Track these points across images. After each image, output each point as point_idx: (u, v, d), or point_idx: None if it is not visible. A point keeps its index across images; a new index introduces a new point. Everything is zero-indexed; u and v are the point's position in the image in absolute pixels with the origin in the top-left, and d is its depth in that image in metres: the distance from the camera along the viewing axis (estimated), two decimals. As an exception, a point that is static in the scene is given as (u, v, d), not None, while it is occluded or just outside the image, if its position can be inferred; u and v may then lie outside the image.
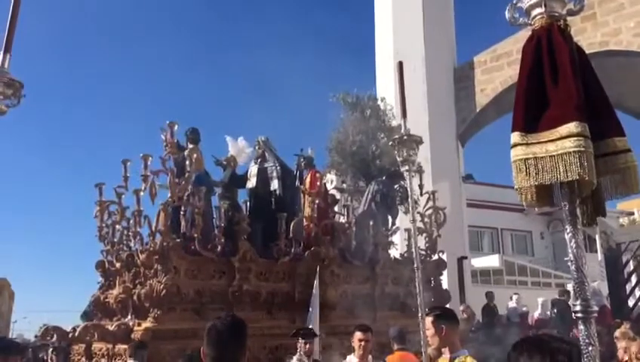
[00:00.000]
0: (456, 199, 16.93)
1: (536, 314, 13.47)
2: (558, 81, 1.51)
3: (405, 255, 10.70)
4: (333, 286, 8.79)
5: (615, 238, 10.48)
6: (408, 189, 4.38)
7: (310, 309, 7.81)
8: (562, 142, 1.43)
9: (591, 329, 1.16)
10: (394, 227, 11.26)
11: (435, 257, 10.60)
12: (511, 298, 14.39)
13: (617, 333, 6.74)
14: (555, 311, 11.37)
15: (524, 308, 13.93)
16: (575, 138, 1.40)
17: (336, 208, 11.02)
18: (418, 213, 11.19)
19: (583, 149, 1.37)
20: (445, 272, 14.51)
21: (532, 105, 1.54)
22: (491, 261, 22.10)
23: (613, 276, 10.18)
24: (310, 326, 7.16)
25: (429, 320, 3.76)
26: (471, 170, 21.23)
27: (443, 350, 3.75)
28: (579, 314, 1.19)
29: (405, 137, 4.02)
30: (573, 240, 1.28)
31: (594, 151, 1.44)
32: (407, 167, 4.10)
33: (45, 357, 9.21)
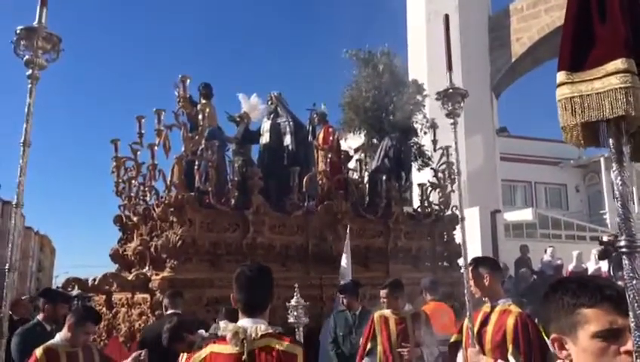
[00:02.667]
0: (490, 153, 16.75)
1: (571, 266, 13.08)
2: (606, 18, 1.49)
3: (419, 210, 10.81)
4: (345, 240, 8.93)
5: None
6: (454, 143, 4.27)
7: (343, 263, 7.86)
8: (608, 79, 1.42)
9: (635, 264, 1.16)
10: (407, 183, 11.34)
11: (449, 212, 10.67)
12: (545, 251, 14.05)
13: None
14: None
15: (559, 261, 13.63)
16: (622, 74, 1.39)
17: (351, 165, 11.11)
18: (432, 168, 11.25)
19: (629, 85, 1.36)
20: (478, 225, 14.61)
21: (579, 44, 1.53)
22: (524, 215, 21.65)
23: None
24: (342, 281, 7.25)
25: (470, 269, 3.74)
26: (505, 123, 20.66)
27: (485, 299, 3.74)
28: (624, 249, 1.18)
29: (450, 90, 3.94)
30: (619, 178, 1.22)
31: (642, 88, 1.44)
32: (452, 121, 4.03)
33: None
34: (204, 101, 8.67)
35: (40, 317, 5.24)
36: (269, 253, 8.19)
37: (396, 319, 5.14)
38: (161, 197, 8.04)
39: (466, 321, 3.75)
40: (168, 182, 7.73)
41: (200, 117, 7.85)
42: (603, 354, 1.29)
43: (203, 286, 7.21)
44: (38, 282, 51.68)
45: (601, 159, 26.70)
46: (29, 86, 2.67)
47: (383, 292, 5.25)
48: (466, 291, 3.70)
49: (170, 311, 5.35)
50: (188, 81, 7.78)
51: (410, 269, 9.69)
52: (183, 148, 7.62)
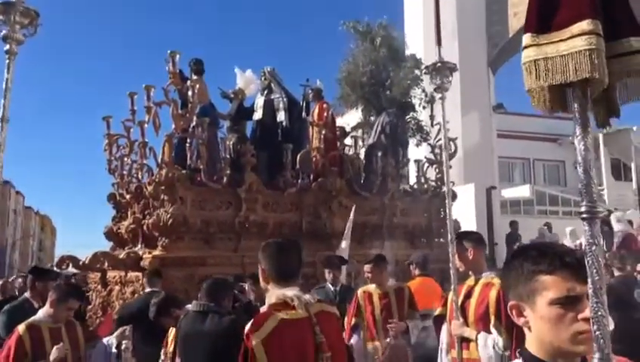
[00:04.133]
0: (486, 129, 16.62)
1: (565, 242, 13.26)
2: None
3: (415, 186, 10.76)
4: (340, 216, 8.91)
5: None
6: (442, 118, 4.21)
7: (344, 242, 7.83)
8: (573, 41, 1.37)
9: (595, 230, 1.16)
10: (404, 159, 11.26)
11: (445, 189, 10.60)
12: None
13: None
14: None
15: (555, 237, 13.46)
16: (587, 36, 1.34)
17: (347, 141, 11.03)
18: (429, 144, 11.16)
19: (594, 47, 1.32)
20: (474, 202, 14.58)
21: (546, 5, 1.49)
22: (522, 191, 21.64)
23: None
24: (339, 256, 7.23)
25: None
26: (502, 99, 20.48)
27: (470, 272, 3.76)
28: (584, 215, 1.18)
29: (439, 64, 3.86)
30: (582, 143, 1.21)
31: (609, 52, 1.40)
32: (440, 95, 3.96)
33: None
34: (195, 77, 8.55)
35: (28, 294, 5.26)
36: (262, 230, 8.16)
37: (380, 294, 5.14)
38: (153, 176, 8.00)
39: (451, 294, 3.81)
40: (159, 160, 7.68)
41: (190, 93, 7.76)
42: (560, 321, 1.29)
43: (195, 264, 7.21)
44: (40, 261, 52.23)
45: (600, 135, 26.57)
46: (7, 62, 2.66)
47: (367, 267, 5.24)
48: (451, 265, 3.74)
49: (147, 290, 5.37)
50: (177, 56, 7.67)
51: (406, 246, 9.68)
52: (173, 126, 7.55)
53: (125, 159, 9.19)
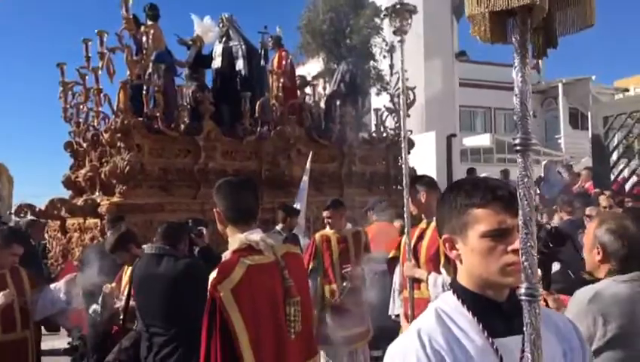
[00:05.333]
0: (449, 77, 16.59)
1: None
2: None
3: (374, 135, 10.94)
4: (299, 164, 9.04)
5: (604, 112, 10.38)
6: (400, 62, 4.14)
7: (301, 186, 7.91)
8: None
9: (528, 162, 1.16)
10: (364, 108, 11.39)
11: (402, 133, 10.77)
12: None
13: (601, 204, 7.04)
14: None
15: (511, 184, 13.93)
16: None
17: (307, 90, 11.04)
18: (389, 93, 11.27)
19: None
20: (434, 150, 14.81)
21: None
22: (482, 140, 22.06)
23: (598, 150, 10.23)
24: (296, 204, 7.35)
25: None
26: (465, 47, 20.47)
27: (423, 216, 3.81)
28: (518, 148, 1.18)
29: (398, 6, 3.74)
30: (520, 74, 1.19)
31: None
32: (399, 38, 3.82)
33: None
34: (149, 22, 8.37)
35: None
36: (222, 178, 8.23)
37: (338, 238, 5.21)
38: (109, 123, 7.94)
39: (404, 237, 3.88)
40: (115, 108, 7.61)
41: (145, 39, 7.63)
42: (491, 253, 1.30)
43: (153, 210, 7.26)
44: (-4, 211, 50.80)
45: (559, 85, 27.09)
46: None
47: (326, 213, 5.30)
48: (405, 209, 3.81)
49: (108, 233, 5.42)
50: (131, 1, 7.48)
51: (365, 193, 9.91)
52: (127, 73, 7.45)
53: (81, 107, 9.02)
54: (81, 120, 8.99)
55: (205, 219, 6.30)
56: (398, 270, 4.16)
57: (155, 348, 3.35)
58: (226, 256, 2.45)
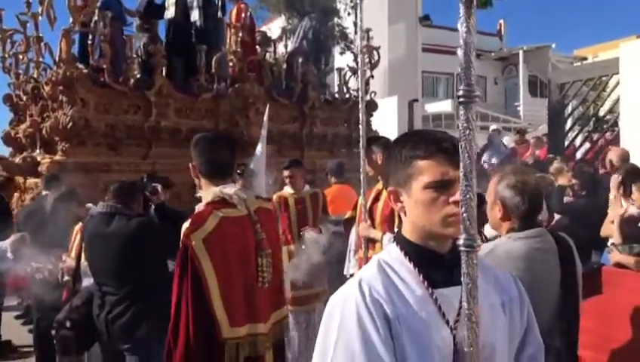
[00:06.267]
0: (412, 42, 16.52)
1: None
2: None
3: (336, 95, 10.59)
4: (258, 124, 8.65)
5: (561, 79, 10.46)
6: (359, 21, 3.98)
7: (258, 148, 7.60)
8: None
9: (470, 114, 1.15)
10: (327, 67, 11.00)
11: (367, 98, 10.50)
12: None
13: (552, 169, 7.12)
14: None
15: None
16: None
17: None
18: (352, 52, 10.89)
19: None
20: (396, 115, 14.71)
21: None
22: (444, 106, 22.20)
23: (554, 117, 10.36)
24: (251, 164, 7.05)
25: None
26: (429, 11, 20.30)
27: (379, 177, 3.79)
28: (461, 100, 1.16)
29: None
30: (464, 24, 1.16)
31: None
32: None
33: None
34: (95, -35, 7.70)
35: None
36: (175, 137, 7.78)
37: (296, 199, 5.14)
38: (51, 75, 7.33)
39: (360, 199, 3.84)
40: (57, 58, 7.00)
41: (89, -17, 7.00)
42: (433, 205, 1.32)
43: (98, 170, 6.78)
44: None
45: (520, 52, 27.28)
46: None
47: (287, 172, 5.19)
48: (361, 170, 3.75)
49: (44, 193, 5.06)
50: (74, -60, 6.81)
51: (326, 155, 9.62)
52: (70, 20, 6.83)
53: (21, 57, 8.36)
54: (21, 71, 8.37)
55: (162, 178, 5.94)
56: (354, 230, 4.16)
57: (107, 306, 3.35)
58: (199, 207, 2.49)
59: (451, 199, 1.29)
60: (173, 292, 2.34)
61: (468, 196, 1.16)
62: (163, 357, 3.53)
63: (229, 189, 2.46)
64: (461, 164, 1.15)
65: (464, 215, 1.16)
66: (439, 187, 1.31)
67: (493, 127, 10.84)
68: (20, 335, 5.95)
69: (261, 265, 2.51)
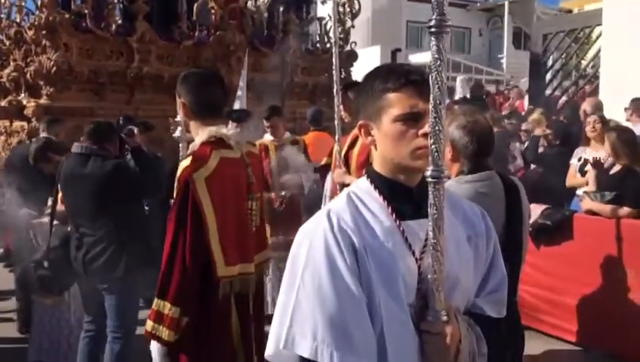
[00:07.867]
0: None
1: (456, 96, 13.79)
2: None
3: (317, 45, 10.71)
4: (239, 73, 8.79)
5: (544, 30, 10.42)
6: None
7: (238, 94, 7.68)
8: None
9: (442, 44, 1.13)
10: (309, 16, 11.04)
11: (348, 48, 10.65)
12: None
13: (530, 120, 7.35)
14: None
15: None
16: None
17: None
18: (333, 1, 10.87)
19: None
20: (379, 64, 14.69)
21: None
22: (428, 57, 22.05)
23: (535, 68, 10.37)
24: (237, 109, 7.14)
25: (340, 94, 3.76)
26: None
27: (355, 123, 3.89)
28: (432, 29, 1.15)
29: None
30: None
31: None
32: None
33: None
34: None
35: None
36: (157, 83, 7.92)
37: (276, 146, 5.21)
38: (33, 19, 7.40)
39: (335, 145, 3.91)
40: (39, 3, 7.08)
41: None
42: (402, 137, 1.31)
43: (82, 114, 6.93)
44: None
45: (506, 3, 27.03)
46: None
47: (267, 123, 5.25)
48: (335, 116, 3.82)
49: (42, 135, 5.25)
50: None
51: (306, 105, 9.82)
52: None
53: (3, 1, 8.35)
54: (3, 15, 8.32)
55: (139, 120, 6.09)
56: (329, 177, 4.22)
57: (85, 247, 3.38)
58: (194, 146, 2.44)
59: (420, 132, 1.29)
60: (168, 229, 2.29)
61: (437, 128, 1.16)
62: (139, 294, 3.67)
63: (226, 130, 2.43)
64: (431, 96, 1.15)
65: (432, 147, 1.18)
66: (408, 120, 1.31)
67: (461, 77, 10.98)
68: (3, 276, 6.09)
69: (251, 208, 2.52)
